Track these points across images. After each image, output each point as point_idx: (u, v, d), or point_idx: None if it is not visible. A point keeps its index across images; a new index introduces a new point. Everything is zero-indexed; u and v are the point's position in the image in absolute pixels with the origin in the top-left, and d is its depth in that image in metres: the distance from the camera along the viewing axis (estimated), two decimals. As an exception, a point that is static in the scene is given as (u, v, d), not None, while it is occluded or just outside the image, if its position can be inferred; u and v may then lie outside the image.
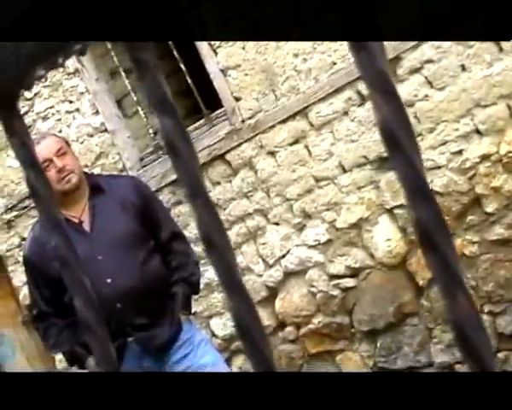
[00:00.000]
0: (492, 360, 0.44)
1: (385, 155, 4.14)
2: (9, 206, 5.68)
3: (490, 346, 0.45)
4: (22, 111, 5.20)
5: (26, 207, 5.60)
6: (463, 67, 3.96)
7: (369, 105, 4.18)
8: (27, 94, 5.32)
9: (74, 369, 4.52)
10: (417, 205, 0.44)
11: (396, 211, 4.19)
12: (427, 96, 4.07)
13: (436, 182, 4.11)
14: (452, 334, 0.45)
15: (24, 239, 5.17)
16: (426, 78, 4.06)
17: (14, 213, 5.68)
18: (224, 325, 5.02)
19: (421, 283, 4.26)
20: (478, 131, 4.01)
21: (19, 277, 5.63)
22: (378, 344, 4.52)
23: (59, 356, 5.36)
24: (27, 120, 5.39)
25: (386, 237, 4.26)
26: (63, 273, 0.60)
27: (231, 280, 0.52)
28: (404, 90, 4.09)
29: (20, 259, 4.61)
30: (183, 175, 0.52)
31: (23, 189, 5.51)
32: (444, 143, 4.08)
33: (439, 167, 4.11)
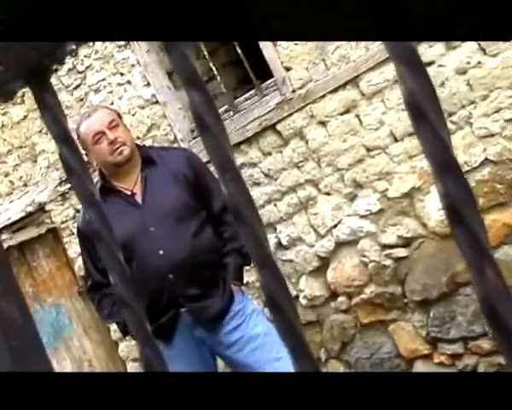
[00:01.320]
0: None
1: (437, 123, 4.10)
2: (63, 178, 5.74)
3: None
4: (75, 84, 5.26)
5: (79, 179, 5.65)
6: (517, 33, 3.89)
7: (420, 73, 4.13)
8: (79, 67, 5.37)
9: (128, 339, 4.58)
10: (444, 179, 0.43)
11: (448, 180, 4.15)
12: (480, 62, 4.01)
13: (490, 150, 4.05)
14: (480, 309, 0.44)
15: (78, 211, 5.23)
16: (479, 44, 3.99)
17: (69, 186, 5.74)
18: (276, 296, 5.02)
19: (474, 252, 4.21)
20: (532, 98, 3.94)
21: (74, 248, 5.71)
22: (431, 314, 4.49)
23: (113, 326, 5.44)
24: (80, 93, 5.44)
25: (439, 207, 4.21)
26: (98, 248, 0.61)
27: (261, 255, 0.52)
28: (457, 58, 4.03)
29: (75, 230, 4.67)
30: (212, 149, 0.52)
31: (77, 161, 5.57)
32: (497, 111, 4.02)
33: (492, 135, 4.04)
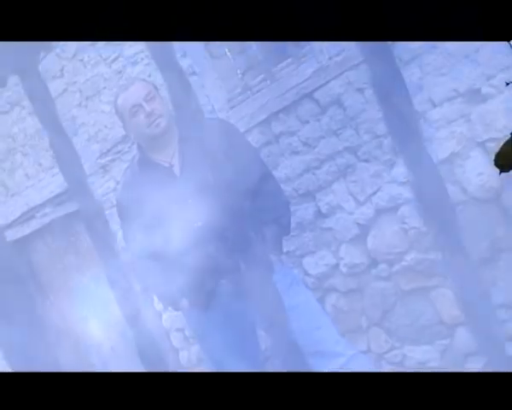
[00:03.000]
0: None
1: (476, 86, 4.04)
2: (104, 151, 5.77)
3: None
4: (112, 57, 5.29)
5: (119, 151, 5.68)
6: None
7: (458, 37, 4.07)
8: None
9: (170, 309, 4.62)
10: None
11: (488, 144, 4.08)
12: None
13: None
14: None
15: (118, 183, 5.27)
16: (517, 5, 3.92)
17: (109, 158, 5.77)
18: (316, 264, 5.02)
19: (516, 217, 4.17)
20: None
21: (116, 220, 5.75)
22: (472, 280, 4.45)
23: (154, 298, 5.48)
24: (117, 65, 5.45)
25: (479, 172, 4.15)
26: (90, 234, 0.61)
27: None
28: (495, 20, 3.96)
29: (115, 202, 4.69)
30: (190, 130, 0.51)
31: (116, 133, 5.59)
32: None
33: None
